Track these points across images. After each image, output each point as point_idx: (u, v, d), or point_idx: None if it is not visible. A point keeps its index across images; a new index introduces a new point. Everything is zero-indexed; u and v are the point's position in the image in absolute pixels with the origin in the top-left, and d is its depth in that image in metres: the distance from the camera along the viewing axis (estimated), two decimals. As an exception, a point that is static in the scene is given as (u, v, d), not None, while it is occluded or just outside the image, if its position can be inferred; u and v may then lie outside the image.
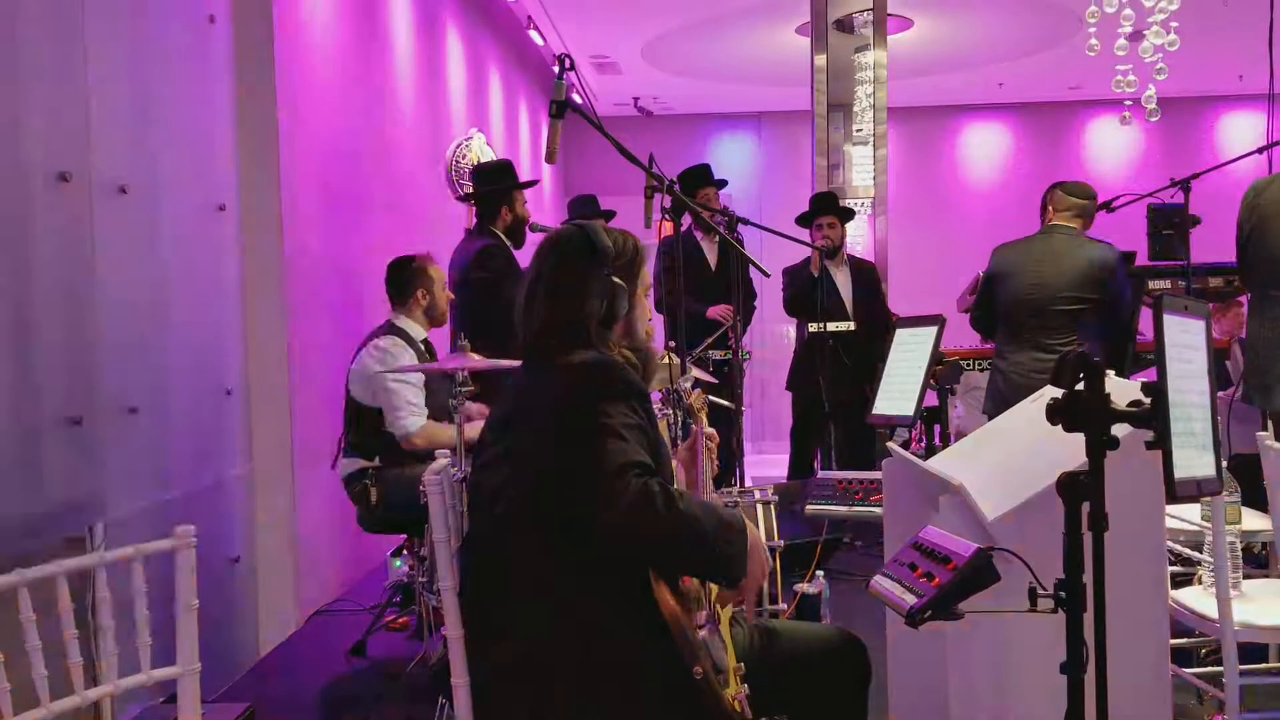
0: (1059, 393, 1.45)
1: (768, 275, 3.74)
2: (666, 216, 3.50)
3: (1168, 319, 1.39)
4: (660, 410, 3.15)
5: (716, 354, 5.14)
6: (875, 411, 3.01)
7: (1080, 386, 1.43)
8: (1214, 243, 4.41)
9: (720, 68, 9.22)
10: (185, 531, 1.63)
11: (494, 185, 4.37)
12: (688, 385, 2.60)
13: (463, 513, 2.24)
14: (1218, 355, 5.16)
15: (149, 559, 1.70)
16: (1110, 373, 2.48)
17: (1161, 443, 1.35)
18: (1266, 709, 2.72)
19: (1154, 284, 4.61)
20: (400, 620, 3.81)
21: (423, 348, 3.68)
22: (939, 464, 2.23)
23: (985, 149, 10.82)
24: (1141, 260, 4.85)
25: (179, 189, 3.18)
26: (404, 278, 3.71)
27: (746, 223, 4.25)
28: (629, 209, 3.82)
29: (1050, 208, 4.25)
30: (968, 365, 5.70)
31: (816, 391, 5.28)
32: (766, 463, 8.07)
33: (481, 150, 6.47)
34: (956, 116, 10.74)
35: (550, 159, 2.97)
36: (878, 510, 2.81)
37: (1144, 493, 1.84)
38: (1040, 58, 8.98)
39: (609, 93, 9.98)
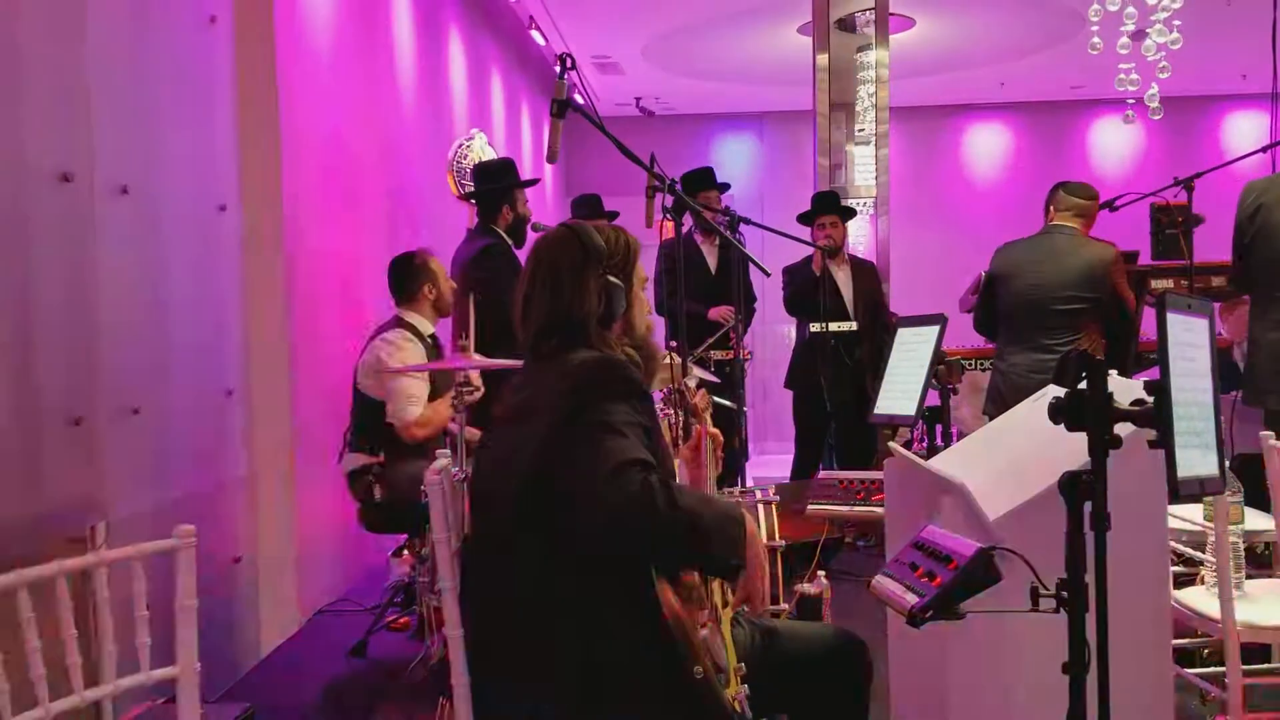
0: (1061, 392, 1.45)
1: (768, 274, 3.73)
2: (668, 216, 3.50)
3: (1171, 318, 1.38)
4: (662, 410, 3.15)
5: (718, 354, 5.14)
6: (877, 411, 3.00)
7: (1083, 386, 1.42)
8: (1217, 242, 4.39)
9: (722, 68, 9.22)
10: (186, 531, 1.63)
11: (495, 184, 4.37)
12: (692, 384, 2.59)
13: (463, 512, 2.24)
14: (1222, 354, 5.15)
15: (150, 559, 1.70)
16: (1113, 372, 2.48)
17: (1164, 442, 1.35)
18: (1269, 709, 2.71)
19: (1157, 283, 4.61)
20: (401, 620, 3.81)
21: (430, 342, 3.69)
22: (941, 464, 2.22)
23: (987, 149, 10.81)
24: (1145, 259, 4.84)
25: (180, 189, 3.18)
26: (409, 274, 3.72)
27: (748, 222, 4.25)
28: (630, 209, 3.81)
29: (1052, 208, 4.25)
30: (970, 365, 5.69)
31: (817, 391, 5.28)
32: (769, 463, 8.06)
33: (483, 150, 6.47)
34: (959, 116, 10.73)
35: (552, 159, 2.97)
36: (879, 510, 2.81)
37: (1146, 492, 1.83)
38: (1042, 57, 8.97)
39: (610, 93, 9.98)
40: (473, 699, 1.74)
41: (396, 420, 3.48)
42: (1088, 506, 1.42)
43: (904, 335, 3.04)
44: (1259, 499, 2.64)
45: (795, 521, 3.67)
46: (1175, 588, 2.70)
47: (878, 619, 2.50)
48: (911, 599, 1.47)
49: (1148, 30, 4.69)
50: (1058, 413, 1.42)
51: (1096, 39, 4.82)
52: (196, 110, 3.33)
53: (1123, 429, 1.41)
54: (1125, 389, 1.51)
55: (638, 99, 10.12)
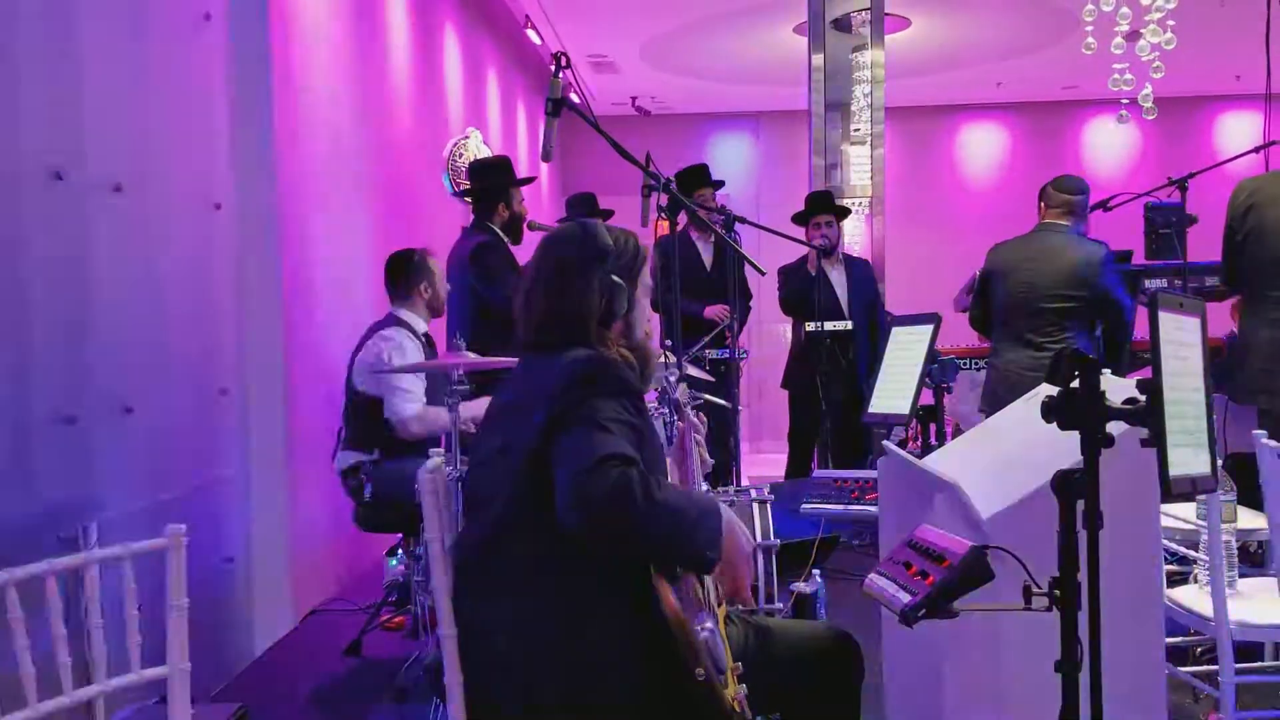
0: (1055, 390, 1.45)
1: (763, 274, 3.74)
2: (663, 215, 3.50)
3: (1163, 316, 1.38)
4: (656, 410, 3.15)
5: (713, 353, 5.14)
6: (871, 410, 3.00)
7: (1075, 384, 1.42)
8: (1211, 242, 4.40)
9: (718, 67, 9.22)
10: (176, 531, 1.63)
11: (491, 181, 4.37)
12: (672, 379, 2.60)
13: (457, 511, 2.24)
14: (1215, 353, 5.16)
15: (145, 559, 1.70)
16: (1106, 371, 2.49)
17: (1156, 441, 1.35)
18: (1261, 708, 2.72)
19: (1151, 283, 4.61)
20: (396, 620, 3.80)
21: (424, 340, 3.69)
22: (934, 462, 2.22)
23: (983, 148, 10.82)
24: (1138, 259, 4.85)
25: (174, 187, 3.17)
26: (406, 272, 3.71)
27: (743, 221, 4.25)
28: (626, 208, 3.82)
29: (1043, 205, 4.26)
30: (964, 364, 5.71)
31: (813, 390, 5.29)
32: (764, 462, 8.07)
33: (478, 148, 6.47)
34: (954, 116, 10.74)
35: (546, 158, 2.97)
36: (874, 509, 2.81)
37: (1139, 491, 1.84)
38: (1037, 57, 8.98)
39: (607, 92, 9.97)
40: (467, 699, 1.74)
41: (394, 416, 3.48)
42: (1080, 505, 1.43)
43: (898, 334, 3.05)
44: (1252, 498, 2.65)
45: (790, 520, 3.67)
46: (1169, 586, 2.71)
47: (872, 617, 2.50)
48: (905, 598, 1.47)
49: (1142, 31, 4.70)
50: (1050, 411, 1.42)
51: (1091, 39, 4.83)
52: (191, 108, 3.32)
53: (1115, 427, 1.42)
54: (1118, 387, 1.51)
55: (634, 98, 10.12)
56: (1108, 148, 10.56)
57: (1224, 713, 2.37)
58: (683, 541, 1.64)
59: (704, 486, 2.57)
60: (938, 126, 10.73)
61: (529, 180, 4.52)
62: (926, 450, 3.29)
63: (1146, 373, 1.40)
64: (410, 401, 3.48)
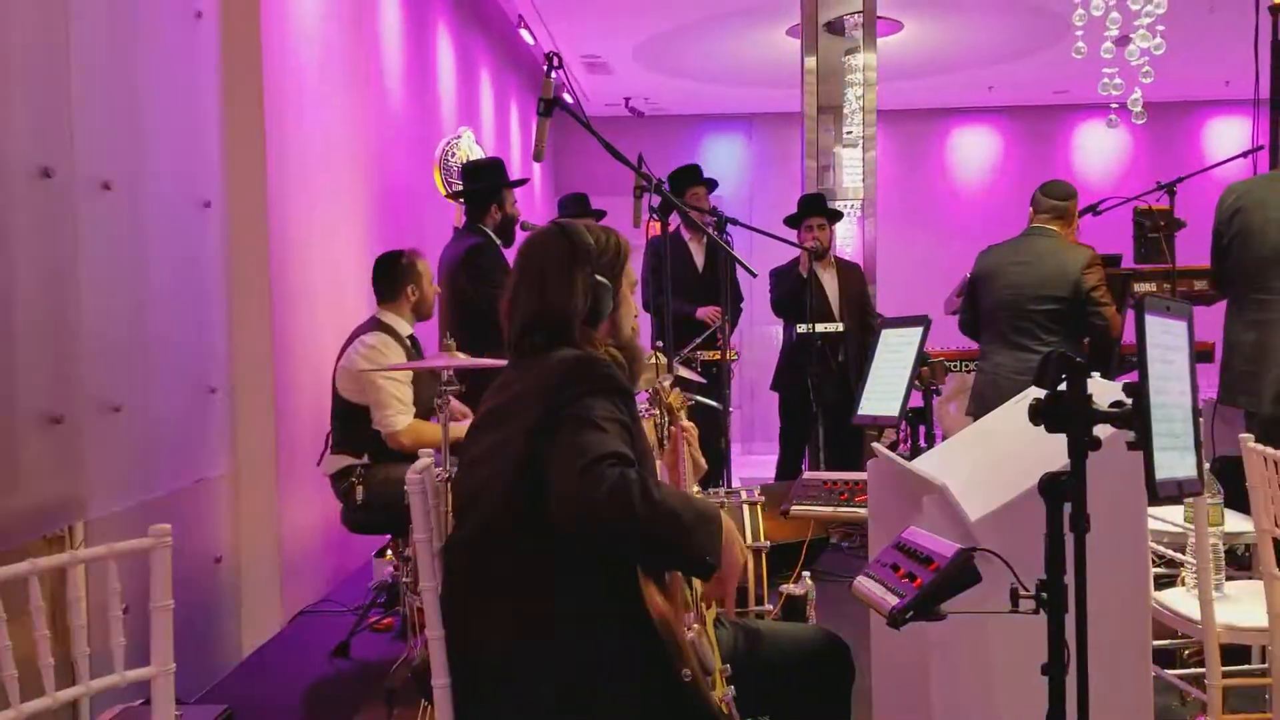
0: (1042, 393, 1.45)
1: (754, 275, 3.74)
2: (655, 216, 3.50)
3: (1149, 320, 1.38)
4: (647, 410, 3.15)
5: (705, 355, 5.14)
6: (860, 412, 3.01)
7: (1063, 387, 1.42)
8: (1199, 246, 4.42)
9: (711, 69, 9.23)
10: (160, 530, 1.62)
11: (483, 183, 4.36)
12: (666, 384, 2.59)
13: (446, 512, 2.23)
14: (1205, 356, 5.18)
15: (132, 558, 1.69)
16: (1095, 374, 2.49)
17: (1143, 444, 1.35)
18: (1248, 711, 2.72)
19: (1139, 286, 4.63)
20: (385, 621, 3.79)
21: (409, 344, 3.66)
22: (923, 464, 2.22)
23: (974, 152, 10.85)
24: (1127, 263, 4.86)
25: (164, 185, 3.16)
26: (394, 274, 3.68)
27: (735, 223, 4.25)
28: (619, 208, 3.82)
29: (1031, 210, 4.29)
30: (954, 367, 5.73)
31: (804, 392, 5.30)
32: (755, 464, 8.07)
33: (471, 148, 6.46)
34: (946, 119, 10.77)
35: (538, 157, 2.97)
36: (863, 511, 2.81)
37: (1126, 494, 1.84)
38: (1029, 61, 9.01)
39: (600, 93, 9.97)
40: (455, 701, 1.73)
41: (383, 429, 3.45)
42: (1068, 508, 1.43)
43: (888, 337, 3.05)
44: (1239, 501, 2.65)
45: (780, 522, 3.67)
46: (1156, 589, 2.71)
47: (862, 619, 2.50)
48: (892, 600, 1.47)
49: (1131, 36, 4.71)
50: (1037, 414, 1.42)
51: (1080, 44, 4.84)
52: (181, 106, 3.32)
53: (1102, 431, 1.42)
54: (1105, 391, 1.51)
55: (627, 99, 10.12)
56: (1098, 152, 10.60)
57: (1211, 715, 2.38)
58: (681, 545, 1.63)
59: (695, 489, 2.57)
60: (930, 130, 10.76)
61: (522, 182, 4.51)
62: (916, 453, 3.29)
63: (1134, 376, 1.40)
64: (400, 414, 3.45)
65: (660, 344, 3.51)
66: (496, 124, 8.00)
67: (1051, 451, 1.49)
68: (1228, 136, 10.19)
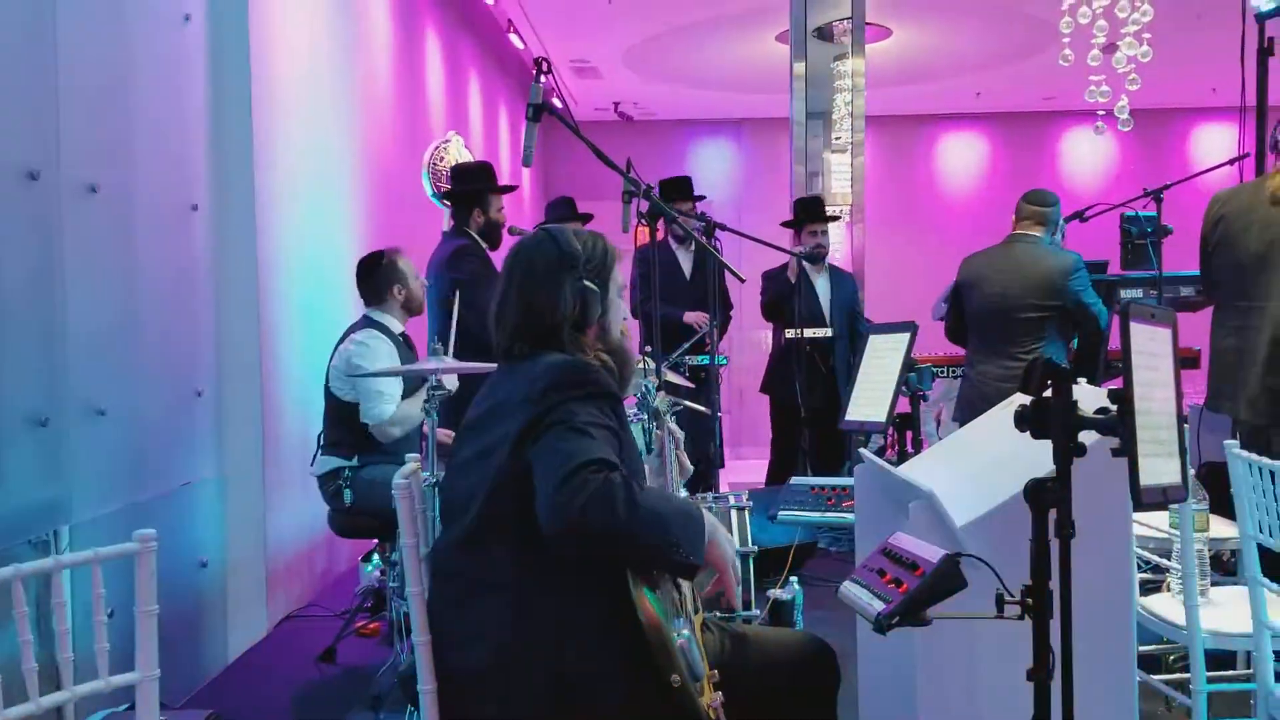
0: (1028, 400, 1.46)
1: (743, 280, 3.74)
2: (643, 222, 3.50)
3: (1134, 327, 1.39)
4: (635, 415, 3.15)
5: (693, 360, 5.15)
6: (847, 418, 3.01)
7: (1048, 394, 1.43)
8: (1186, 253, 4.45)
9: (701, 74, 9.25)
10: (146, 535, 1.61)
11: (467, 186, 4.36)
12: (652, 387, 2.60)
13: (434, 517, 2.23)
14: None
15: (117, 563, 1.68)
16: (1082, 380, 2.50)
17: (1127, 450, 1.36)
18: (1233, 717, 2.73)
19: (1126, 293, 4.65)
20: (371, 626, 3.78)
21: (401, 341, 3.67)
22: (910, 470, 2.23)
23: (962, 158, 10.89)
24: (1114, 269, 4.89)
25: (151, 188, 3.15)
26: (376, 276, 3.68)
27: (724, 228, 4.26)
28: (607, 213, 3.81)
29: (1015, 217, 4.31)
30: (941, 373, 5.75)
31: (793, 397, 5.32)
32: (745, 468, 8.08)
33: (459, 153, 6.45)
34: (934, 125, 10.81)
35: (527, 162, 2.97)
36: (850, 517, 2.81)
37: (1111, 500, 1.85)
38: (1017, 68, 9.05)
39: (590, 98, 9.98)
40: (441, 706, 1.73)
41: (370, 419, 3.45)
42: (1053, 514, 1.43)
43: (875, 343, 3.06)
44: (1225, 507, 2.67)
45: (767, 527, 3.68)
46: (1143, 594, 2.73)
47: (849, 624, 2.51)
48: (878, 605, 1.48)
49: (1118, 44, 4.74)
50: (1023, 421, 1.43)
51: (1068, 51, 4.87)
52: (169, 109, 3.31)
53: (1087, 437, 1.43)
54: (1090, 397, 1.52)
55: (616, 104, 10.13)
56: (1085, 158, 10.66)
57: (1195, 721, 2.39)
58: (666, 546, 1.63)
59: (683, 493, 2.57)
60: (918, 136, 10.80)
61: (508, 189, 4.51)
62: (903, 458, 3.30)
63: (1120, 382, 1.41)
64: (386, 404, 3.46)
65: (649, 349, 3.51)
66: (485, 128, 8.00)
67: (1037, 458, 1.49)
68: (1214, 143, 10.24)
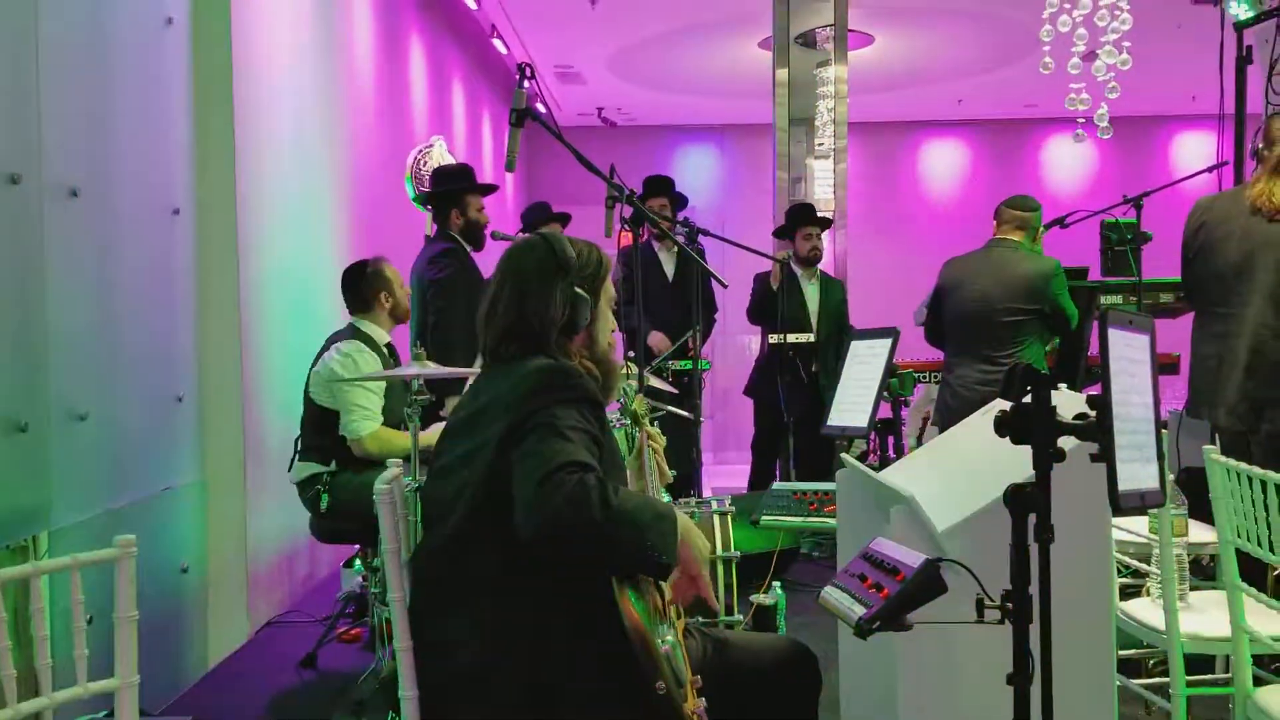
0: (1008, 405, 1.46)
1: (725, 286, 3.75)
2: (626, 227, 3.51)
3: (1113, 334, 1.40)
4: (618, 421, 3.15)
5: (676, 364, 5.15)
6: (830, 423, 3.03)
7: (1028, 399, 1.44)
8: (1165, 259, 4.49)
9: (684, 80, 9.26)
10: (125, 541, 1.60)
11: (445, 187, 4.36)
12: (631, 390, 2.60)
13: (415, 522, 2.22)
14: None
15: (97, 569, 1.67)
16: (1062, 386, 2.52)
17: (1106, 456, 1.37)
18: (1212, 720, 2.76)
19: (1106, 299, 4.69)
20: (353, 632, 3.76)
21: (386, 351, 3.65)
22: (891, 475, 2.24)
23: (944, 164, 10.95)
24: (1094, 275, 4.92)
25: (133, 192, 3.13)
26: (363, 284, 3.66)
27: (706, 234, 4.27)
28: (590, 218, 3.82)
29: (996, 222, 4.35)
30: (923, 378, 5.78)
31: (777, 401, 5.33)
32: (728, 473, 8.09)
33: (442, 157, 6.44)
34: (916, 132, 10.86)
35: (510, 167, 2.97)
36: (833, 521, 2.82)
37: (1091, 505, 1.86)
38: (998, 75, 9.11)
39: (573, 103, 9.99)
40: (423, 713, 1.72)
41: (349, 434, 3.43)
42: (1033, 518, 1.44)
43: (857, 348, 3.07)
44: (1205, 512, 2.69)
45: (750, 532, 3.68)
46: (1122, 599, 2.74)
47: (832, 629, 2.51)
48: (859, 610, 1.48)
49: (1098, 52, 4.78)
50: (1003, 426, 1.44)
51: (1048, 59, 4.91)
52: (150, 112, 3.29)
53: (1067, 442, 1.43)
54: (1069, 402, 1.53)
55: (600, 109, 10.14)
56: (1067, 165, 10.73)
57: (1174, 724, 2.40)
58: (639, 546, 1.62)
59: (665, 498, 2.57)
60: (900, 142, 10.85)
61: (488, 189, 4.50)
62: (885, 463, 3.32)
63: (1099, 388, 1.42)
64: (366, 420, 3.43)
65: (632, 354, 3.52)
66: (469, 133, 7.99)
67: (1017, 463, 1.50)
68: (1194, 151, 10.33)
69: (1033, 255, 4.20)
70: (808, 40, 6.75)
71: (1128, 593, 2.93)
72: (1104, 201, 4.71)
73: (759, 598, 3.20)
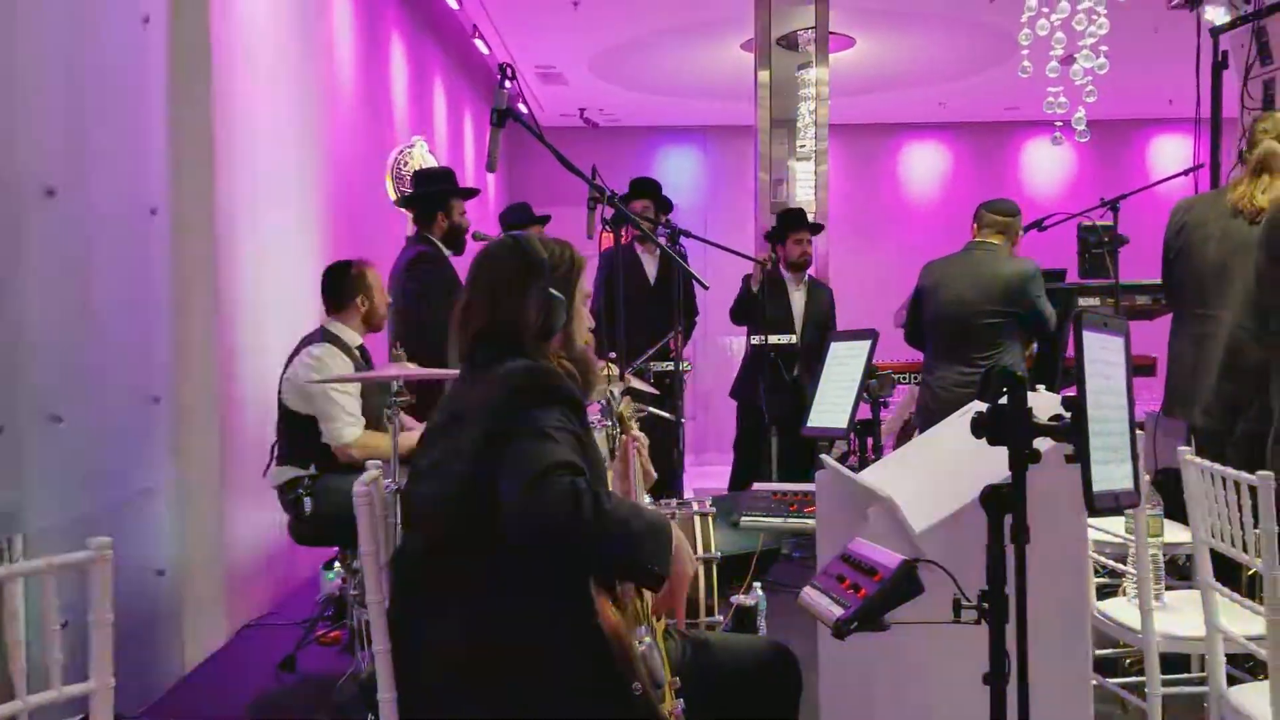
0: (985, 407, 1.47)
1: (706, 288, 3.76)
2: (607, 228, 3.51)
3: (1087, 335, 1.42)
4: (600, 422, 3.14)
5: (658, 366, 5.15)
6: (809, 424, 3.04)
7: (1004, 400, 1.45)
8: (1142, 261, 4.52)
9: (666, 81, 9.28)
10: (100, 544, 1.58)
11: (429, 190, 4.34)
12: (617, 392, 2.60)
13: (395, 525, 2.21)
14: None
15: (72, 572, 1.65)
16: (1040, 387, 2.54)
17: (1080, 457, 1.38)
18: (1187, 719, 2.78)
19: (1083, 301, 4.72)
20: (332, 634, 3.74)
21: (358, 354, 3.62)
22: (870, 476, 2.25)
23: (925, 166, 11.01)
24: (1072, 277, 4.96)
25: (109, 192, 3.11)
26: (343, 284, 3.64)
27: (688, 235, 4.27)
28: (572, 219, 3.82)
29: (975, 225, 4.37)
30: (903, 379, 5.81)
31: (758, 403, 5.35)
32: (709, 474, 8.09)
33: (424, 157, 6.43)
34: (898, 134, 10.91)
35: (491, 168, 2.96)
36: (812, 522, 2.83)
37: (1067, 506, 1.87)
38: (978, 78, 9.16)
39: (555, 103, 9.98)
40: (401, 715, 1.72)
41: (331, 441, 3.41)
42: (1009, 519, 1.45)
43: (836, 350, 3.08)
44: (1181, 512, 2.71)
45: (731, 533, 3.69)
46: (1099, 599, 2.76)
47: (812, 630, 2.52)
48: (837, 611, 1.49)
49: (1075, 56, 4.81)
50: (979, 427, 1.45)
51: (1027, 62, 4.94)
52: (128, 111, 3.26)
53: (1042, 443, 1.44)
54: (1045, 404, 1.54)
55: (582, 110, 10.14)
56: (1046, 168, 10.80)
57: (1150, 723, 2.42)
58: (631, 554, 1.62)
59: (646, 500, 2.57)
60: (881, 144, 10.90)
61: (471, 193, 4.49)
62: (864, 464, 3.33)
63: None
64: (349, 426, 3.40)
65: (613, 355, 3.51)
66: (450, 133, 7.97)
67: (994, 464, 1.51)
68: (1171, 154, 10.42)
69: (1011, 258, 4.24)
70: (789, 42, 6.77)
71: (1104, 592, 2.95)
72: (1082, 204, 4.74)
73: (740, 598, 3.21)
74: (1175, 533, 2.99)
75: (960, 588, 1.46)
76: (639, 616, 1.78)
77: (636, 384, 4.07)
